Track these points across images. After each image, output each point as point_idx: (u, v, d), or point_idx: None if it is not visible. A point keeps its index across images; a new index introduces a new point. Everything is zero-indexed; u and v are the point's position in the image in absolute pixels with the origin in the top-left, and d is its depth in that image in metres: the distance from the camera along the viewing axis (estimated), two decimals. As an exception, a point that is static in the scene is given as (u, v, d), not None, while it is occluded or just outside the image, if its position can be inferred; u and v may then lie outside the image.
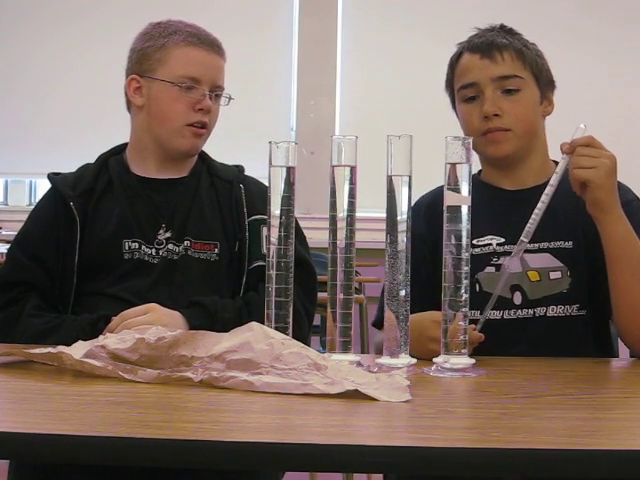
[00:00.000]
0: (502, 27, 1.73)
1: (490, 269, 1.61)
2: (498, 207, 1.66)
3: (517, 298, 1.61)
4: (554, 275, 1.59)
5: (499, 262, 1.60)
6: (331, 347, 1.28)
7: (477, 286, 1.60)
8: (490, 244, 1.62)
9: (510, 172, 1.67)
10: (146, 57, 1.74)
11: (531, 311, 1.59)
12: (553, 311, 1.60)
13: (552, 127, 1.72)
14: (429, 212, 1.66)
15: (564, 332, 1.59)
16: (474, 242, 1.63)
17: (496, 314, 1.59)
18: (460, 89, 1.68)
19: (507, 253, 1.59)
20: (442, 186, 1.73)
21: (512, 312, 1.60)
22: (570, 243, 1.61)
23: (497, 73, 1.64)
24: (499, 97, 1.64)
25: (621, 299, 1.53)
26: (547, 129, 1.72)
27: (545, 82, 1.69)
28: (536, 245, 1.60)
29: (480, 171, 1.77)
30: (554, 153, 1.75)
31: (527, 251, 1.57)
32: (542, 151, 1.71)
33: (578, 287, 1.60)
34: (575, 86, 4.52)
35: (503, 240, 1.61)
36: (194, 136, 1.73)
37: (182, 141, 1.73)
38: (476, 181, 1.75)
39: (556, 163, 1.71)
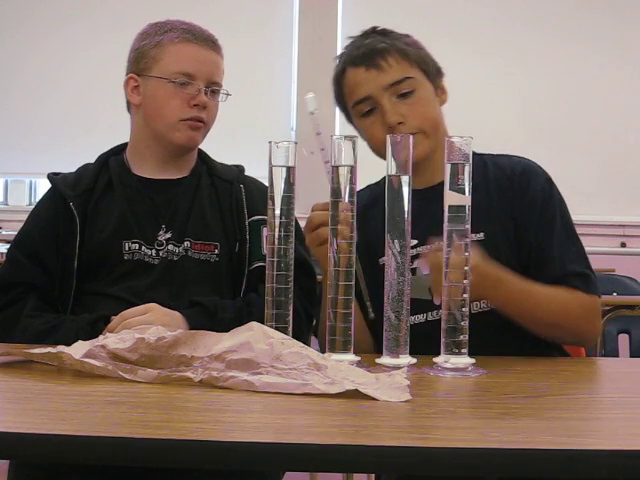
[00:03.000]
0: (375, 30, 1.69)
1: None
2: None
3: (437, 298, 1.54)
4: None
5: (414, 266, 1.51)
6: (331, 347, 1.28)
7: None
8: None
9: (420, 172, 1.57)
10: (142, 56, 1.75)
11: None
12: (477, 307, 1.55)
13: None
14: (366, 213, 1.62)
15: (493, 325, 1.51)
16: None
17: (420, 317, 1.57)
18: (355, 105, 1.65)
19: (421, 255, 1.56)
20: (378, 183, 1.71)
21: (435, 313, 1.56)
22: (481, 234, 1.56)
23: (388, 81, 1.61)
24: (396, 103, 1.61)
25: (533, 332, 1.55)
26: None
27: (434, 72, 1.67)
28: None
29: None
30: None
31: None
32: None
33: None
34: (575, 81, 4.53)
35: (416, 242, 1.54)
36: (190, 129, 1.73)
37: (178, 135, 1.73)
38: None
39: None
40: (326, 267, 1.44)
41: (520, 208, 1.61)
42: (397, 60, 1.63)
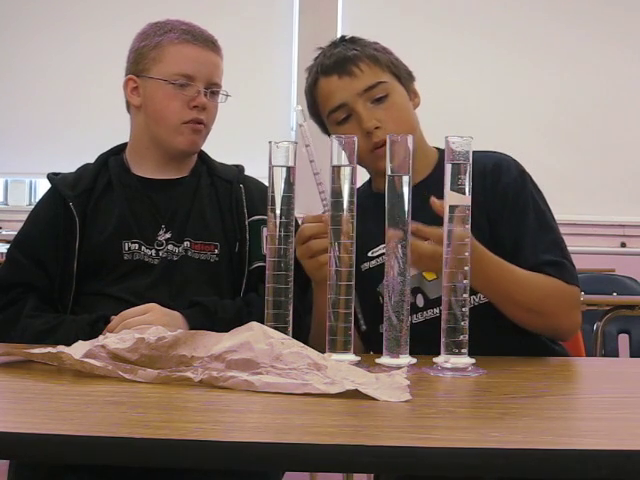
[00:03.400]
0: (343, 39, 1.70)
1: None
2: None
3: (419, 300, 1.58)
4: None
5: None
6: (331, 347, 1.28)
7: (381, 299, 1.52)
8: (384, 253, 1.45)
9: None
10: (142, 57, 1.74)
11: (436, 310, 1.54)
12: (473, 300, 1.53)
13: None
14: None
15: (477, 322, 1.45)
16: (369, 254, 1.61)
17: None
18: (330, 114, 1.64)
19: None
20: (358, 190, 1.70)
21: (419, 315, 1.58)
22: None
23: (361, 86, 1.61)
24: (372, 109, 1.61)
25: (511, 319, 1.53)
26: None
27: (405, 77, 1.67)
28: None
29: (370, 180, 1.74)
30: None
31: None
32: (421, 145, 1.67)
33: None
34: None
35: None
36: (192, 133, 1.73)
37: (181, 139, 1.73)
38: (367, 192, 1.72)
39: (438, 150, 1.66)
40: (316, 279, 1.45)
41: (492, 203, 1.60)
42: (369, 66, 1.63)
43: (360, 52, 1.64)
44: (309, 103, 1.70)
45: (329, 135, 1.69)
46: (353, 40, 1.69)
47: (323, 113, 1.67)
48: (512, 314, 1.52)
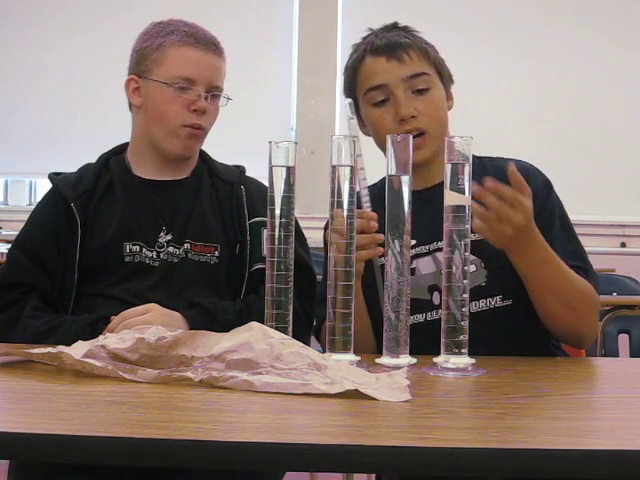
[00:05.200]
0: (396, 26, 1.71)
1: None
2: None
3: (436, 298, 1.58)
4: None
5: (413, 266, 1.55)
6: (331, 347, 1.28)
7: None
8: None
9: (421, 173, 1.60)
10: (144, 57, 1.74)
11: None
12: (476, 306, 1.55)
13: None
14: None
15: (492, 325, 1.52)
16: None
17: (419, 317, 1.57)
18: (368, 92, 1.64)
19: (420, 255, 1.58)
20: (375, 185, 1.71)
21: (434, 313, 1.58)
22: (479, 234, 1.51)
23: (407, 73, 1.62)
24: (411, 97, 1.62)
25: (543, 311, 1.52)
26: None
27: (447, 77, 1.69)
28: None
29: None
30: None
31: (438, 249, 1.54)
32: None
33: (496, 278, 1.56)
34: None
35: (415, 242, 1.55)
36: (189, 137, 1.72)
37: (176, 142, 1.72)
38: (384, 187, 1.73)
39: None
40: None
41: None
42: (418, 56, 1.64)
43: (412, 41, 1.66)
44: (348, 78, 1.70)
45: (358, 115, 1.68)
46: (407, 29, 1.70)
47: (360, 90, 1.67)
48: (547, 305, 1.51)
